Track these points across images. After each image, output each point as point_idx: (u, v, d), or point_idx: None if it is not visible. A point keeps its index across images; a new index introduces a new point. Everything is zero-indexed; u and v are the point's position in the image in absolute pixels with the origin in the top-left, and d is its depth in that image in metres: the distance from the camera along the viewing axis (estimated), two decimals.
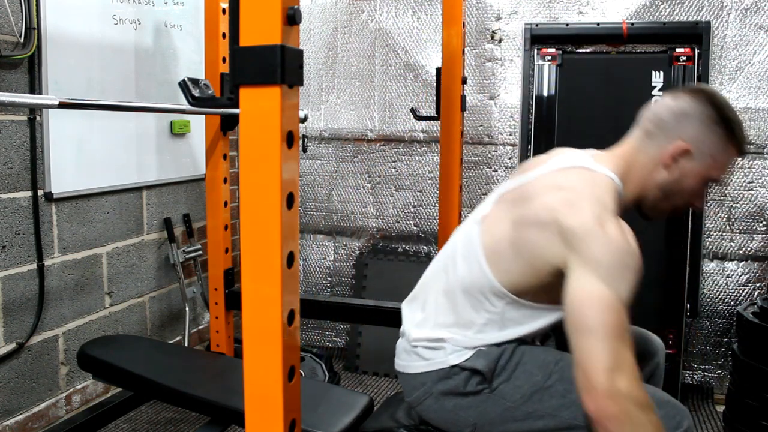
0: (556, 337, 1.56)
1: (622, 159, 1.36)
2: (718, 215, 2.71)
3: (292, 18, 0.76)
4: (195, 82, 1.84)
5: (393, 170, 3.14)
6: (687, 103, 1.32)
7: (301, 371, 2.05)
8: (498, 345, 1.35)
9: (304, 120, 2.94)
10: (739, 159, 1.39)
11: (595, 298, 1.15)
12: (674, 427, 1.25)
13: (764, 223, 2.68)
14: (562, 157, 1.40)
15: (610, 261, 1.16)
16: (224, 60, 2.20)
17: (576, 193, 1.25)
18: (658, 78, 2.65)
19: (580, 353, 1.14)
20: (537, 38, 2.82)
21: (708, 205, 2.71)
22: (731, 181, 2.69)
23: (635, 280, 1.18)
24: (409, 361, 1.42)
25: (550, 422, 1.29)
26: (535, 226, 1.26)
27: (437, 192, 2.84)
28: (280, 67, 0.75)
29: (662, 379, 1.54)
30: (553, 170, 1.35)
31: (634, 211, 1.41)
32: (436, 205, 2.99)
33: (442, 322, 1.39)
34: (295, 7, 0.76)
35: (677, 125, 1.32)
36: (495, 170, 2.99)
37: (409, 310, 1.50)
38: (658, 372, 1.52)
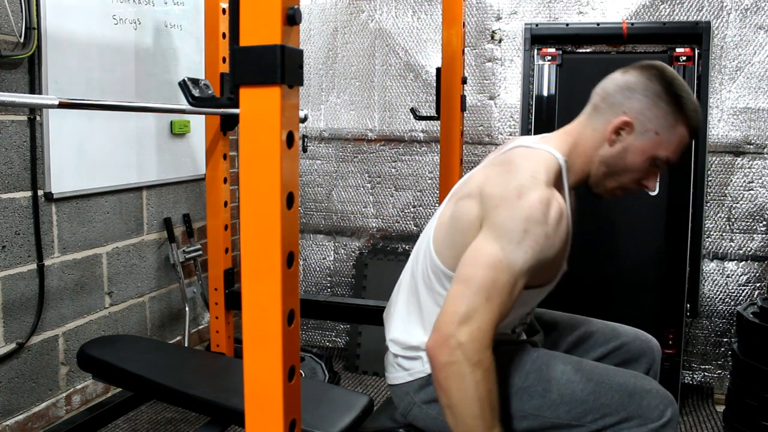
0: (546, 333, 1.56)
1: (569, 135, 1.37)
2: (718, 215, 2.71)
3: (292, 18, 0.76)
4: (195, 82, 1.84)
5: (393, 170, 3.14)
6: (634, 78, 1.31)
7: (301, 371, 2.05)
8: None
9: (304, 120, 2.94)
10: (691, 140, 1.35)
11: (483, 255, 1.17)
12: (657, 417, 1.24)
13: (764, 223, 2.68)
14: (509, 143, 1.43)
15: (513, 227, 1.17)
16: (224, 60, 2.20)
17: (507, 166, 1.28)
18: None
19: (448, 296, 1.19)
20: (537, 38, 2.82)
21: (708, 205, 2.71)
22: (731, 181, 2.69)
23: (537, 252, 1.17)
24: (393, 372, 1.44)
25: (533, 422, 1.29)
26: (466, 197, 1.30)
27: (437, 192, 2.85)
28: (280, 67, 0.75)
29: (657, 378, 1.53)
30: (497, 154, 1.40)
31: (586, 191, 1.41)
32: (436, 205, 2.99)
33: (413, 322, 1.40)
34: (295, 7, 0.76)
35: (623, 99, 1.31)
36: None
37: (387, 320, 1.51)
38: (652, 371, 1.51)
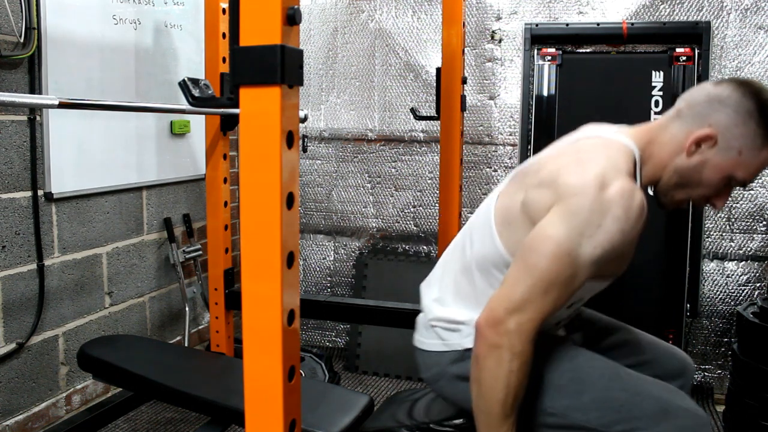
0: (584, 332, 1.54)
1: (646, 133, 1.31)
2: (718, 215, 2.71)
3: (292, 18, 0.76)
4: (195, 82, 1.84)
5: (393, 170, 3.14)
6: (726, 91, 1.23)
7: (301, 371, 2.05)
8: None
9: (304, 120, 2.94)
10: None
11: (551, 243, 1.14)
12: None
13: (764, 223, 2.68)
14: (583, 130, 1.38)
15: (589, 219, 1.13)
16: (224, 60, 2.20)
17: (585, 155, 1.24)
18: (658, 78, 2.65)
19: (506, 278, 1.19)
20: (537, 38, 2.82)
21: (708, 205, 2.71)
22: None
23: (608, 249, 1.14)
24: (427, 338, 1.40)
25: (560, 421, 1.27)
26: (539, 187, 1.25)
27: (437, 192, 2.84)
28: (280, 67, 0.75)
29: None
30: (570, 141, 1.35)
31: (652, 199, 1.35)
32: (436, 205, 2.99)
33: (461, 301, 1.37)
34: (295, 7, 0.76)
35: (710, 110, 1.24)
36: (495, 170, 2.98)
37: (427, 287, 1.48)
38: (685, 391, 1.46)
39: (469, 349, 1.29)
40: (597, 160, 1.20)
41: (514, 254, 1.24)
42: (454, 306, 1.38)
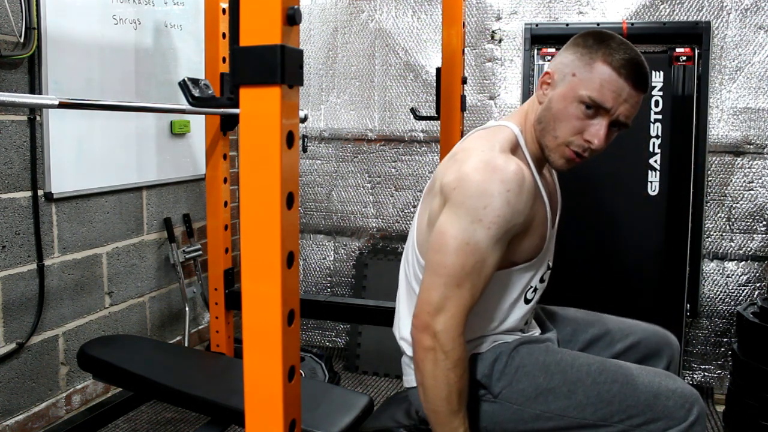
0: (560, 331, 1.55)
1: (521, 108, 1.40)
2: (718, 215, 2.71)
3: (292, 18, 0.76)
4: (195, 82, 1.84)
5: (393, 170, 3.14)
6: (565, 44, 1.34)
7: (301, 371, 2.05)
8: (489, 349, 1.36)
9: (304, 120, 2.94)
10: (622, 79, 1.24)
11: (449, 238, 1.20)
12: (683, 418, 1.25)
13: (764, 223, 2.68)
14: (469, 133, 1.45)
15: (472, 204, 1.19)
16: (224, 60, 2.20)
17: (462, 154, 1.30)
18: (658, 78, 2.65)
19: (421, 285, 1.25)
20: (537, 38, 2.82)
21: (708, 205, 2.71)
22: (731, 181, 2.69)
23: (502, 225, 1.19)
24: (408, 375, 1.43)
25: (559, 422, 1.29)
26: (433, 196, 1.33)
27: None
28: (280, 67, 0.74)
29: (677, 372, 1.53)
30: (455, 147, 1.41)
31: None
32: None
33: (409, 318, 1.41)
34: (295, 7, 0.76)
35: (551, 60, 1.35)
36: None
37: (395, 322, 1.51)
38: (672, 366, 1.51)
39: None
40: (470, 152, 1.26)
41: None
42: (408, 329, 1.40)
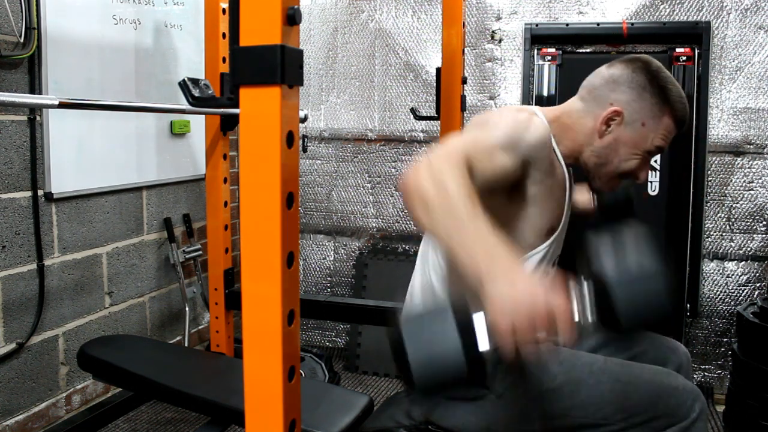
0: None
1: (551, 109, 1.40)
2: (718, 215, 2.71)
3: (292, 18, 0.76)
4: (195, 82, 1.84)
5: (393, 170, 3.14)
6: (618, 70, 1.34)
7: (301, 371, 2.05)
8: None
9: (304, 120, 2.94)
10: (678, 131, 1.36)
11: (466, 135, 1.21)
12: (685, 415, 1.25)
13: (764, 223, 2.68)
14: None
15: (486, 122, 1.24)
16: (224, 60, 2.20)
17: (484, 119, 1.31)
18: None
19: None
20: (537, 38, 2.82)
21: (708, 205, 2.71)
22: (731, 181, 2.69)
23: (511, 135, 1.18)
24: None
25: (562, 422, 1.30)
26: None
27: None
28: (280, 67, 0.75)
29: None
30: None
31: (587, 184, 1.43)
32: None
33: None
34: (295, 7, 0.76)
35: (608, 92, 1.33)
36: None
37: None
38: (683, 373, 1.49)
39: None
40: (497, 115, 1.31)
41: None
42: None
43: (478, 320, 0.89)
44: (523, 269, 0.91)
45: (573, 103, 1.39)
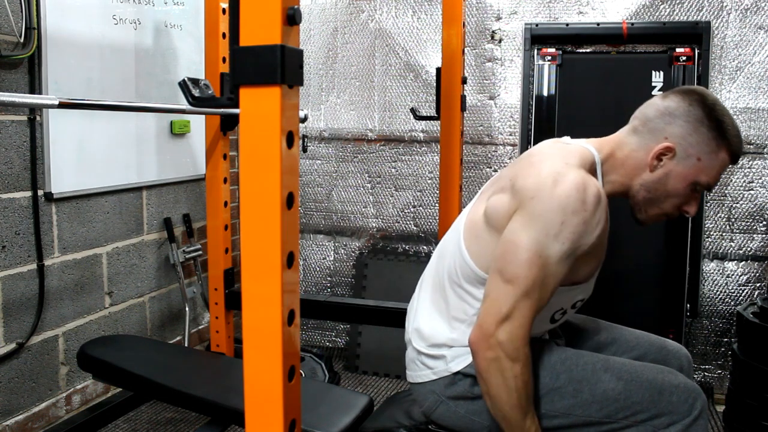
0: (567, 335, 1.55)
1: (606, 143, 1.37)
2: (718, 215, 2.71)
3: (292, 18, 0.76)
4: (195, 82, 1.84)
5: (393, 170, 3.14)
6: (675, 103, 1.30)
7: (301, 371, 2.05)
8: None
9: (304, 120, 2.94)
10: (732, 165, 1.35)
11: (522, 250, 1.19)
12: (687, 412, 1.26)
13: (764, 223, 2.68)
14: (544, 142, 1.45)
15: (550, 218, 1.18)
16: (224, 60, 2.20)
17: (539, 157, 1.30)
18: (658, 78, 2.65)
19: (488, 292, 1.23)
20: (537, 38, 2.81)
21: (708, 205, 2.71)
22: (731, 181, 2.69)
23: (575, 242, 1.19)
24: (416, 371, 1.42)
25: (564, 421, 1.31)
26: (498, 193, 1.31)
27: (437, 192, 2.85)
28: (280, 67, 0.75)
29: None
30: (530, 151, 1.41)
31: (630, 217, 1.41)
32: (436, 205, 2.99)
33: (438, 317, 1.40)
34: (295, 7, 0.76)
35: (663, 125, 1.30)
36: (495, 170, 2.98)
37: (410, 317, 1.50)
38: (685, 374, 1.50)
39: (458, 373, 1.34)
40: (550, 160, 1.26)
41: (482, 266, 1.30)
42: (431, 325, 1.40)
43: None
44: None
45: (626, 135, 1.35)
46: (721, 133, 1.28)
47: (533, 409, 1.25)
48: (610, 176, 1.35)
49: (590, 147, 1.33)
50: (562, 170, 1.21)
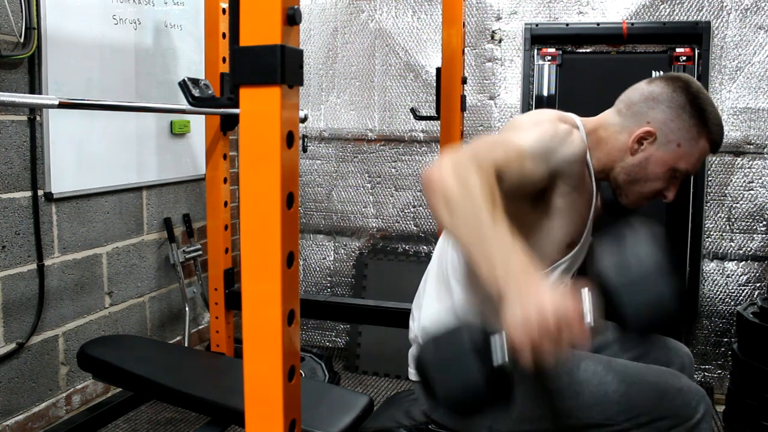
0: None
1: (589, 120, 1.38)
2: (718, 215, 2.71)
3: (292, 18, 0.76)
4: (195, 82, 1.84)
5: (393, 170, 3.14)
6: (659, 88, 1.31)
7: (301, 371, 2.05)
8: None
9: (304, 120, 2.94)
10: (711, 155, 1.38)
11: (492, 139, 1.26)
12: (690, 416, 1.25)
13: (764, 223, 2.68)
14: None
15: (522, 123, 1.25)
16: (224, 60, 2.20)
17: (528, 112, 1.36)
18: None
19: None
20: (537, 38, 2.82)
21: (708, 205, 2.71)
22: (731, 181, 2.69)
23: (545, 143, 1.19)
24: None
25: (567, 422, 1.30)
26: None
27: None
28: (280, 67, 0.75)
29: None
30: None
31: (614, 199, 1.42)
32: None
33: (445, 313, 1.38)
34: (295, 7, 0.76)
35: (646, 108, 1.31)
36: None
37: (415, 313, 1.49)
38: (686, 374, 1.49)
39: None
40: (536, 111, 1.35)
41: None
42: (440, 318, 1.38)
43: (493, 337, 0.91)
44: (538, 282, 0.91)
45: (610, 116, 1.37)
46: (702, 121, 1.29)
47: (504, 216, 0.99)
48: (593, 152, 1.36)
49: (577, 119, 1.35)
50: (543, 116, 1.27)
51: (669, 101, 1.29)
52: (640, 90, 1.34)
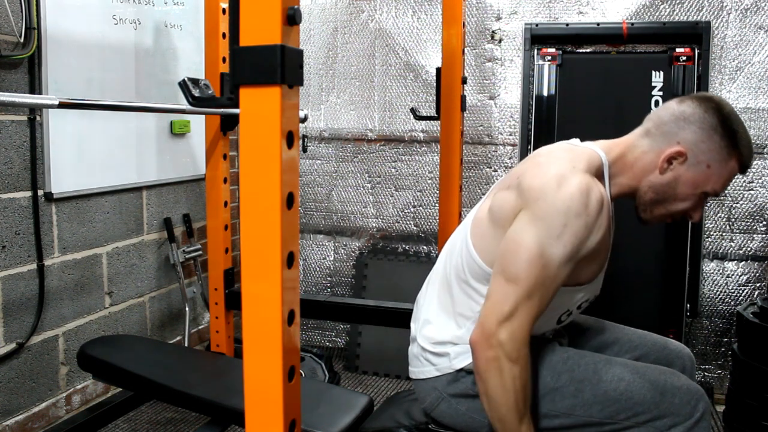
0: (570, 335, 1.55)
1: (616, 145, 1.37)
2: (718, 215, 2.71)
3: (292, 18, 0.76)
4: (195, 82, 1.84)
5: (393, 170, 3.14)
6: (690, 109, 1.30)
7: (301, 371, 2.05)
8: None
9: (304, 120, 2.94)
10: (740, 174, 1.37)
11: (524, 250, 1.20)
12: (689, 414, 1.26)
13: (764, 223, 2.68)
14: (556, 143, 1.45)
15: (553, 220, 1.20)
16: (224, 60, 2.20)
17: (548, 158, 1.31)
18: (658, 78, 2.65)
19: (490, 292, 1.23)
20: (537, 38, 2.81)
21: (708, 205, 2.71)
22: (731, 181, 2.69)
23: (577, 245, 1.20)
24: (419, 367, 1.43)
25: (565, 421, 1.31)
26: (504, 190, 1.32)
27: (437, 192, 2.84)
28: (280, 67, 0.74)
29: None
30: (539, 151, 1.41)
31: (635, 216, 1.41)
32: (436, 205, 2.99)
33: (443, 314, 1.40)
34: (295, 7, 0.76)
35: (677, 129, 1.30)
36: (495, 170, 2.99)
37: (417, 314, 1.51)
38: (687, 375, 1.50)
39: (461, 370, 1.34)
40: (557, 162, 1.27)
41: (489, 263, 1.30)
42: (437, 322, 1.40)
43: None
44: None
45: (638, 138, 1.36)
46: (733, 143, 1.28)
47: (529, 413, 1.24)
48: (617, 179, 1.35)
49: (599, 150, 1.34)
50: (567, 173, 1.22)
51: (701, 122, 1.29)
52: (670, 109, 1.33)
